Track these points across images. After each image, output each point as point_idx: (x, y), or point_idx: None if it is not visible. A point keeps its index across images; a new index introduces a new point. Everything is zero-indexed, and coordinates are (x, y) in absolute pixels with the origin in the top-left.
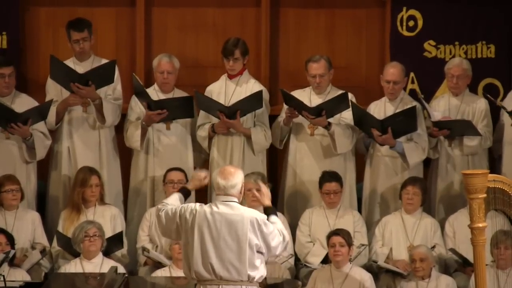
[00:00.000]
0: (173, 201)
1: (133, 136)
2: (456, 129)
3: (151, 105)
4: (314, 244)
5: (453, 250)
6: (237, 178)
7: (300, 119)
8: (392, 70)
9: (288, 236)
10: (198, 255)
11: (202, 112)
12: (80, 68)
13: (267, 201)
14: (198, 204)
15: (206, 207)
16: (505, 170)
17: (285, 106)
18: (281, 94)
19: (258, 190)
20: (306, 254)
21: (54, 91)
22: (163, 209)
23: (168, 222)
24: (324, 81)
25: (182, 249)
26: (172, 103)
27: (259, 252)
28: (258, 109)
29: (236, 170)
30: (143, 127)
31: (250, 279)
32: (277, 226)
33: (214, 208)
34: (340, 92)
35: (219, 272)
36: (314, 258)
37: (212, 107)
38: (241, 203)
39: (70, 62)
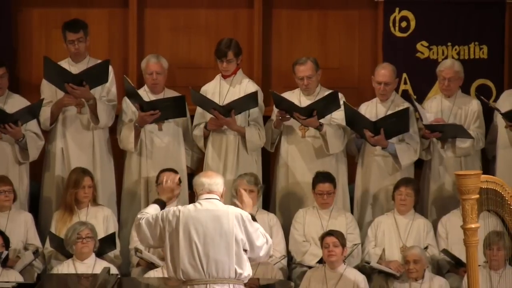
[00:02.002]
0: (152, 210)
1: (127, 138)
2: (447, 132)
3: (143, 106)
4: (310, 244)
5: (445, 251)
6: (219, 179)
7: (291, 121)
8: (383, 71)
9: (270, 240)
10: (184, 255)
11: (197, 112)
12: (75, 69)
13: (248, 210)
14: (180, 206)
15: (190, 206)
16: (499, 172)
17: (276, 109)
18: (272, 96)
19: (240, 196)
20: (303, 253)
21: (49, 91)
22: (143, 218)
23: (149, 228)
24: (312, 82)
25: (166, 252)
26: (164, 103)
27: (244, 250)
28: (253, 108)
29: (218, 174)
30: (136, 128)
31: (237, 276)
32: (260, 229)
33: (198, 206)
34: (330, 91)
35: (207, 269)
36: (312, 257)
37: (207, 104)
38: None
39: (65, 63)
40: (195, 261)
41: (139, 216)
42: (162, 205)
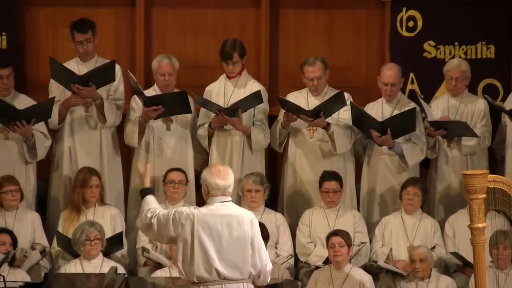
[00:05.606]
0: (155, 204)
1: (131, 133)
2: (452, 130)
3: (146, 101)
4: (315, 245)
5: (455, 254)
6: (232, 177)
7: (298, 123)
8: (389, 72)
9: (271, 265)
10: (200, 259)
11: (201, 112)
12: (83, 68)
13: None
14: (192, 207)
15: (203, 210)
16: (508, 172)
17: (283, 110)
18: (278, 101)
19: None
20: (308, 255)
21: (57, 91)
22: (155, 216)
23: (161, 228)
24: (322, 83)
25: (178, 254)
26: (167, 99)
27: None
28: (258, 105)
29: (227, 168)
30: (141, 124)
31: (250, 276)
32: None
33: (213, 210)
34: (336, 92)
35: (223, 273)
36: (317, 258)
37: (211, 107)
38: (240, 204)
39: (74, 63)
40: (211, 267)
41: (149, 215)
42: (153, 193)
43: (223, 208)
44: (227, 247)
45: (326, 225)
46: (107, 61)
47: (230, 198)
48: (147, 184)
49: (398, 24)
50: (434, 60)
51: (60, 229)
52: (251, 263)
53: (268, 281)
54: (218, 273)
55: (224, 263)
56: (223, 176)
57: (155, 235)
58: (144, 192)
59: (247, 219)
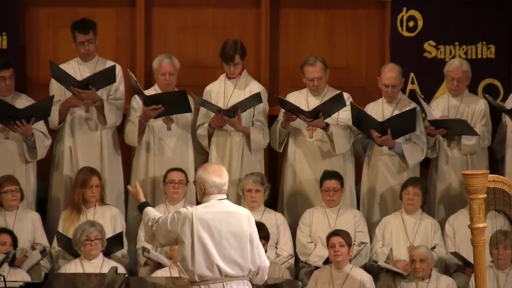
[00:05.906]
0: (155, 213)
1: (132, 133)
2: (452, 128)
3: (146, 100)
4: (315, 245)
5: (455, 254)
6: (227, 175)
7: (297, 123)
8: (390, 74)
9: (268, 263)
10: (201, 258)
11: (201, 112)
12: (84, 68)
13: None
14: (189, 206)
15: (201, 208)
16: (508, 172)
17: (282, 110)
18: (278, 101)
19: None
20: (308, 255)
21: (58, 90)
22: (156, 222)
23: (162, 232)
24: (322, 83)
25: (179, 254)
26: (166, 98)
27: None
28: (258, 105)
29: (222, 166)
30: (141, 123)
31: (250, 273)
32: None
33: (210, 207)
34: (336, 92)
35: (224, 270)
36: (317, 258)
37: (211, 108)
38: (240, 204)
39: (74, 63)
40: (212, 265)
41: (150, 224)
42: (149, 205)
43: (220, 206)
44: (227, 244)
45: (327, 224)
46: (108, 61)
47: (226, 196)
48: (142, 199)
49: (398, 24)
50: (435, 60)
51: (60, 229)
52: (250, 259)
53: (266, 278)
54: (220, 270)
55: (225, 260)
56: (219, 173)
57: (159, 241)
58: (142, 206)
59: (244, 216)
